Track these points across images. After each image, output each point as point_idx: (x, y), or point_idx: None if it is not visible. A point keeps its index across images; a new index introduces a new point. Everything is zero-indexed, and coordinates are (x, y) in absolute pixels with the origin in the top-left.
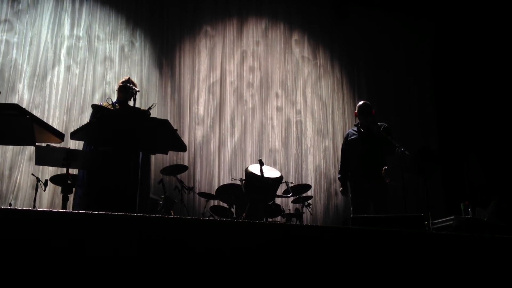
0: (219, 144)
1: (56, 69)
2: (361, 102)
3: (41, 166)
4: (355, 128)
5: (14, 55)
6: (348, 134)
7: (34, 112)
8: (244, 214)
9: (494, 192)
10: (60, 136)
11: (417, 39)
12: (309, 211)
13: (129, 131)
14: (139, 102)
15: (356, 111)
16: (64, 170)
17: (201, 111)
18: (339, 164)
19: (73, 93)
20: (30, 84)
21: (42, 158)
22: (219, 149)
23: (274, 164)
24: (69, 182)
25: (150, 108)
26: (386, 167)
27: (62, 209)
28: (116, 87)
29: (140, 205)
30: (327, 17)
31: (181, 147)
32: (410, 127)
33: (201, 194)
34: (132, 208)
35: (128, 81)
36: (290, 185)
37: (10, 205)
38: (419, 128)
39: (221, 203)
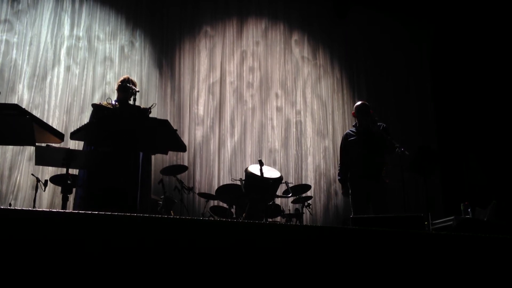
0: (219, 144)
1: (56, 69)
2: (359, 103)
3: (41, 166)
4: (353, 129)
5: (14, 55)
6: (346, 135)
7: (34, 112)
8: (244, 214)
9: (493, 192)
10: (60, 136)
11: (417, 39)
12: (309, 211)
13: (129, 132)
14: (139, 103)
15: (354, 111)
16: (64, 170)
17: (201, 111)
18: (339, 165)
19: (73, 93)
20: (30, 84)
21: (42, 158)
22: (219, 149)
23: (274, 165)
24: (69, 182)
25: (150, 107)
26: (386, 167)
27: (62, 209)
28: (115, 87)
29: (141, 205)
30: (327, 17)
31: (181, 147)
32: (409, 127)
33: (201, 194)
34: (132, 208)
35: (128, 80)
36: (290, 185)
37: (10, 205)
38: (419, 128)
39: (221, 203)
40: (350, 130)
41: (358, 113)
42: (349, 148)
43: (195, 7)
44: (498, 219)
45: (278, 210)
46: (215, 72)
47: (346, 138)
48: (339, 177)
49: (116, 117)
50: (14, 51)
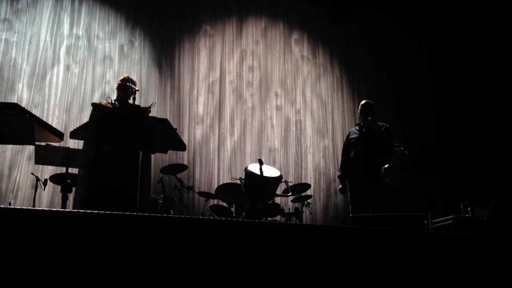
0: (218, 144)
1: (56, 68)
2: (363, 101)
3: (40, 166)
4: (357, 127)
5: (13, 54)
6: (350, 133)
7: (34, 112)
8: (243, 213)
9: (493, 191)
10: (59, 135)
11: (417, 39)
12: (309, 210)
13: (129, 131)
14: (139, 102)
15: (359, 109)
16: (63, 169)
17: (200, 110)
18: (340, 162)
19: (72, 92)
20: (29, 83)
21: (42, 157)
22: (218, 148)
23: (273, 164)
24: (68, 181)
25: (149, 107)
26: (386, 166)
27: (61, 208)
28: (115, 86)
29: (141, 204)
30: (327, 17)
31: (181, 146)
32: (409, 126)
33: (201, 194)
34: (132, 207)
35: (127, 79)
36: (290, 184)
37: (10, 204)
38: (419, 128)
39: (221, 203)
40: (354, 128)
41: (360, 112)
42: (350, 146)
43: (195, 6)
44: (498, 218)
45: (277, 209)
46: (214, 71)
47: (348, 136)
48: (338, 173)
49: (116, 116)
50: (14, 50)
